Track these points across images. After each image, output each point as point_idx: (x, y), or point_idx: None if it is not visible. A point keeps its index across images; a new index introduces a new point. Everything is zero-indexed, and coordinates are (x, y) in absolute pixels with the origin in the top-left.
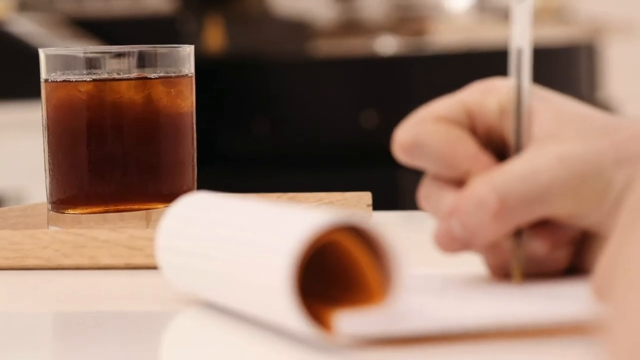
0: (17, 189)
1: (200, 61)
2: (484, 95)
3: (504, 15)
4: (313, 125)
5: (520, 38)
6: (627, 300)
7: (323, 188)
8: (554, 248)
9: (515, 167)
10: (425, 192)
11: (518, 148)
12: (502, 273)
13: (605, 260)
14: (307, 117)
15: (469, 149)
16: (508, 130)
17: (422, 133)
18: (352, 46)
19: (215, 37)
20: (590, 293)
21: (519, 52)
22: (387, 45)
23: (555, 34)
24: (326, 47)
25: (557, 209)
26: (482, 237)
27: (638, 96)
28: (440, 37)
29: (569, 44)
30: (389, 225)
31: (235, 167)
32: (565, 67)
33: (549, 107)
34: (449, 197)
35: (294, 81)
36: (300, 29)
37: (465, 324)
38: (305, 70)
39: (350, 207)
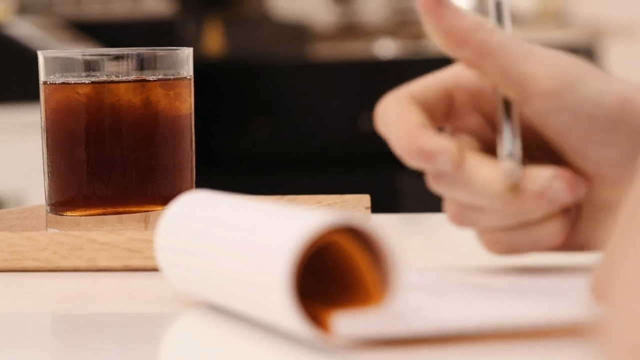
0: (16, 191)
1: (200, 64)
2: (464, 67)
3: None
4: (312, 128)
5: None
6: (623, 299)
7: (322, 191)
8: (575, 197)
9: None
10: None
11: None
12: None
13: (604, 259)
14: (306, 119)
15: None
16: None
17: (387, 112)
18: (351, 49)
19: (214, 39)
20: (589, 293)
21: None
22: (386, 48)
23: (555, 36)
24: (325, 50)
25: (538, 69)
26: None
27: None
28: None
29: (568, 46)
30: (388, 227)
31: (234, 169)
32: None
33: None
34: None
35: (293, 84)
36: (299, 32)
37: (463, 325)
38: (305, 73)
39: (349, 209)
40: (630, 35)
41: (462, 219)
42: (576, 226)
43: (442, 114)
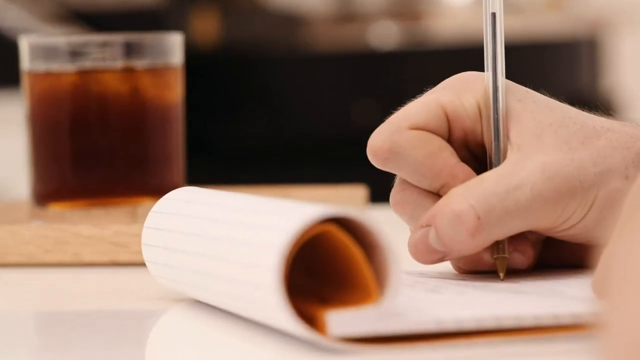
0: (1, 183)
1: (193, 53)
2: (460, 95)
3: (505, 7)
4: (308, 119)
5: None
6: (623, 296)
7: (319, 183)
8: (534, 259)
9: (495, 181)
10: (401, 198)
11: (497, 153)
12: (468, 271)
13: (604, 257)
14: (302, 110)
15: (448, 161)
16: (486, 132)
17: (400, 141)
18: (348, 39)
19: (208, 29)
20: (590, 290)
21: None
22: (385, 38)
23: (559, 25)
24: (322, 39)
25: (537, 224)
26: (459, 251)
27: None
28: (439, 30)
29: (572, 35)
30: (384, 219)
31: (229, 161)
32: (569, 59)
33: (526, 108)
34: (428, 205)
35: (288, 74)
36: (295, 21)
37: (461, 320)
38: (301, 63)
39: (344, 200)
40: (637, 23)
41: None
42: (547, 244)
43: (444, 138)
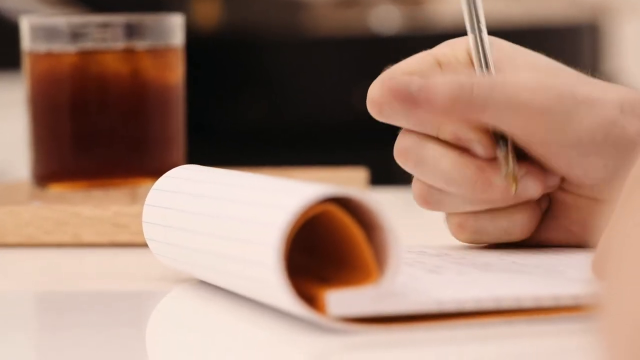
0: (1, 165)
1: (195, 36)
2: (452, 46)
3: None
4: (309, 103)
5: None
6: (622, 277)
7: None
8: (544, 190)
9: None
10: (403, 144)
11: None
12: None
13: (604, 238)
14: (303, 94)
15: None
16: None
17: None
18: (350, 23)
19: (209, 12)
20: (590, 271)
21: None
22: (387, 22)
23: (561, 9)
24: (323, 23)
25: (521, 123)
26: (434, 103)
27: None
28: (441, 14)
29: (574, 20)
30: (384, 201)
31: (230, 143)
32: (571, 43)
33: (517, 49)
34: (430, 149)
35: (290, 57)
36: (296, 4)
37: (461, 302)
38: (302, 47)
39: (345, 182)
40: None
41: (429, 199)
42: (544, 221)
43: None
